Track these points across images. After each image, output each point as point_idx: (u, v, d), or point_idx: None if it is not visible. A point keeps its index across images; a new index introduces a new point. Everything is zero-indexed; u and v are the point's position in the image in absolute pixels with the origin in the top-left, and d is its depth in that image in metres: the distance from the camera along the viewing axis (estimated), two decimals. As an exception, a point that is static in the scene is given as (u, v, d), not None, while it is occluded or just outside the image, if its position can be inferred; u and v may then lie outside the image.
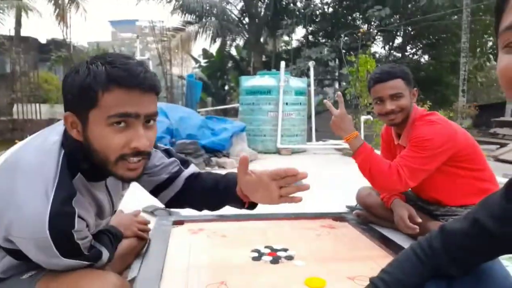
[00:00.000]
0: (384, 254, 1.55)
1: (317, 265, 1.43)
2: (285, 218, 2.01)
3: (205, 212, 2.13)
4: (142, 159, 0.87)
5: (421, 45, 13.87)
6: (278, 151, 5.46)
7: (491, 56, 12.36)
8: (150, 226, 1.69)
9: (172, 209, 2.28)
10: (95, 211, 0.99)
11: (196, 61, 18.39)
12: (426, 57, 14.07)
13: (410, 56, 13.96)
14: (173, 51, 13.63)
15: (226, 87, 18.06)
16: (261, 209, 2.31)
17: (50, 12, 11.93)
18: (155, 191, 1.26)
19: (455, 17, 11.54)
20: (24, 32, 12.34)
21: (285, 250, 1.57)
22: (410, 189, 1.95)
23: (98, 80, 0.79)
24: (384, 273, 0.81)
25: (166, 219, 1.95)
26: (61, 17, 11.66)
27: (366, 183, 2.11)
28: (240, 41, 16.34)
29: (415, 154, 1.56)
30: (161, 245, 1.58)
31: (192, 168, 1.28)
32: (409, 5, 12.14)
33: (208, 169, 3.91)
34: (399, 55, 13.52)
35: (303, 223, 1.96)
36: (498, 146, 6.75)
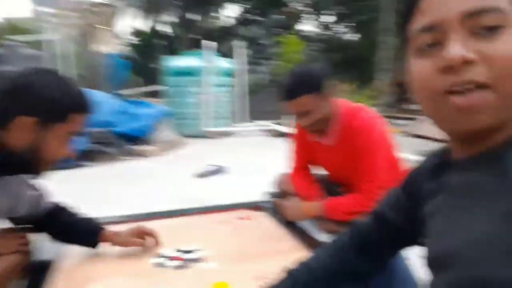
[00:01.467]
0: (298, 246, 1.50)
1: (228, 266, 1.33)
2: (199, 212, 1.88)
3: (112, 213, 1.95)
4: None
5: (352, 24, 14.34)
6: (205, 134, 5.32)
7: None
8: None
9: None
10: None
11: (124, 39, 17.38)
12: (357, 35, 14.61)
13: (341, 34, 14.40)
14: (97, 28, 12.67)
15: (157, 67, 17.38)
16: (176, 204, 2.19)
17: None
18: None
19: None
20: None
21: (195, 251, 1.45)
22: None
23: (75, 103, 0.94)
24: (302, 265, 0.82)
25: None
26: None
27: (285, 169, 2.07)
28: (172, 18, 15.69)
29: (375, 161, 1.54)
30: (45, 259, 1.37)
31: None
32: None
33: (127, 158, 3.65)
34: (330, 33, 13.87)
35: (218, 216, 1.85)
36: (410, 121, 7.22)
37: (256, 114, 6.99)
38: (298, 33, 6.35)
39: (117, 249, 1.47)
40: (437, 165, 0.61)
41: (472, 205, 0.49)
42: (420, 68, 0.51)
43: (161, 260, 1.36)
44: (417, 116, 6.92)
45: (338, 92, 1.69)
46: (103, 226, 1.30)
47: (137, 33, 16.13)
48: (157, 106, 4.65)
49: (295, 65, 1.80)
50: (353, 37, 14.63)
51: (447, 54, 0.46)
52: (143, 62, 16.10)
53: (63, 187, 2.72)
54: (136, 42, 16.30)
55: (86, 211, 2.08)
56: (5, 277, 1.26)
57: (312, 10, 12.58)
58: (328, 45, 11.32)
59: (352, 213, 1.52)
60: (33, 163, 0.94)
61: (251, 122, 6.53)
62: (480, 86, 0.46)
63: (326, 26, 14.00)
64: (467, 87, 0.46)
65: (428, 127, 5.01)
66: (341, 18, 13.91)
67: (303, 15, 12.26)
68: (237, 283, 1.20)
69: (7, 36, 7.87)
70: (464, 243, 0.47)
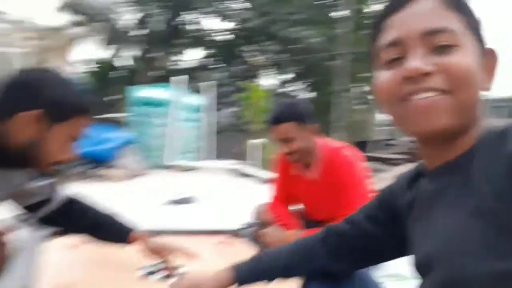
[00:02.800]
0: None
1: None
2: (184, 233, 1.89)
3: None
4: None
5: (309, 82, 15.23)
6: (168, 167, 5.24)
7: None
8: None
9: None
10: None
11: (84, 66, 16.94)
12: (313, 94, 15.47)
13: (298, 91, 15.20)
14: (47, 54, 12.22)
15: (114, 97, 16.94)
16: (157, 225, 2.15)
17: None
18: None
19: (335, 61, 13.11)
20: None
21: (179, 267, 1.44)
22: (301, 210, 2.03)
23: (80, 104, 0.92)
24: (265, 254, 0.85)
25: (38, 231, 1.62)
26: None
27: (254, 202, 2.13)
28: (133, 52, 15.64)
29: (359, 194, 1.57)
30: (28, 262, 1.29)
31: None
32: (297, 45, 13.35)
33: (92, 180, 3.50)
34: (289, 89, 14.61)
35: (200, 239, 1.86)
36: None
37: (219, 153, 7.04)
38: (259, 85, 6.66)
39: (105, 258, 1.43)
40: (412, 177, 0.66)
41: (442, 209, 0.53)
42: (385, 78, 0.56)
43: (146, 272, 1.35)
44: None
45: (319, 131, 1.82)
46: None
47: (96, 61, 15.81)
48: (123, 131, 4.55)
49: (273, 104, 1.93)
50: (309, 96, 15.50)
51: (408, 66, 0.52)
52: (101, 91, 15.68)
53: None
54: (94, 70, 15.93)
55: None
56: None
57: (272, 66, 13.29)
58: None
59: None
60: (31, 160, 0.90)
61: (216, 160, 6.54)
62: (439, 91, 0.51)
63: (283, 83, 14.78)
64: (427, 95, 0.51)
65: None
66: (298, 77, 14.79)
67: (264, 70, 12.91)
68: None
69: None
70: (439, 245, 0.51)
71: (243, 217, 2.45)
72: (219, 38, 13.64)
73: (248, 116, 6.50)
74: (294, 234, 1.76)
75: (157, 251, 1.22)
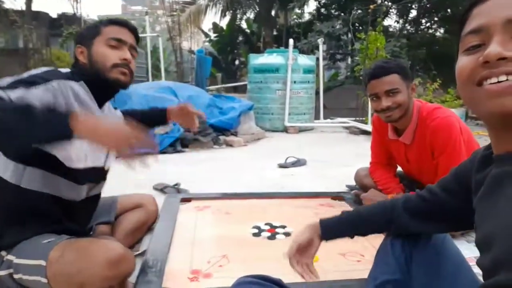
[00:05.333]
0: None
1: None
2: (285, 197, 2.14)
3: (211, 190, 2.28)
4: (129, 70, 1.23)
5: (436, 19, 13.40)
6: (285, 129, 5.55)
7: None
8: (159, 203, 1.83)
9: (180, 187, 2.44)
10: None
11: (206, 35, 18.18)
12: (442, 31, 13.62)
13: (425, 30, 13.56)
14: (183, 25, 13.51)
15: (237, 62, 17.92)
16: (263, 188, 2.46)
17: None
18: None
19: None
20: (34, 7, 12.34)
21: (283, 227, 1.70)
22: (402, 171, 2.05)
23: (103, 22, 1.25)
24: (354, 209, 1.02)
25: (174, 196, 2.09)
26: (71, -9, 11.63)
27: (364, 164, 2.21)
28: (250, 15, 16.04)
29: (455, 159, 1.56)
30: (170, 221, 1.72)
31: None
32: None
33: (216, 147, 4.04)
34: (413, 29, 13.14)
35: (302, 201, 2.08)
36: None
37: (333, 111, 7.04)
38: (381, 28, 6.16)
39: (221, 218, 1.78)
40: (485, 157, 0.68)
41: (504, 195, 0.56)
42: (464, 63, 0.60)
43: (257, 231, 1.64)
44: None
45: (416, 93, 1.77)
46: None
47: (216, 29, 16.74)
48: (242, 100, 5.01)
49: (377, 60, 1.90)
50: (439, 31, 13.66)
51: (488, 51, 0.54)
52: (222, 58, 16.70)
53: (162, 168, 3.19)
54: (218, 38, 16.93)
55: (183, 188, 2.46)
56: (134, 233, 1.60)
57: (396, 5, 12.02)
58: (411, 41, 10.76)
59: None
60: (97, 70, 1.19)
61: (330, 118, 6.59)
62: None
63: (409, 21, 13.27)
64: (502, 78, 0.54)
65: None
66: (424, 13, 13.07)
67: (387, 9, 11.76)
68: (322, 255, 1.42)
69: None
70: (498, 227, 0.54)
71: (348, 180, 2.57)
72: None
73: (366, 67, 6.24)
74: (394, 198, 1.83)
75: (178, 115, 1.59)
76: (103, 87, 1.24)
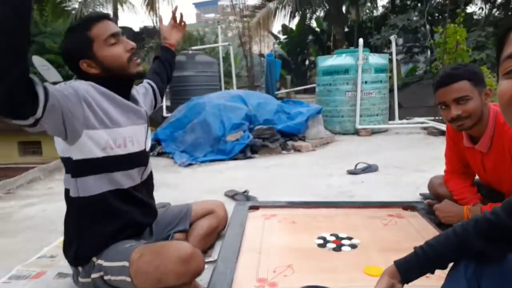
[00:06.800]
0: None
1: (379, 254, 1.53)
2: (353, 206, 2.11)
3: (279, 197, 2.35)
4: (138, 56, 1.31)
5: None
6: (356, 132, 5.41)
7: None
8: (229, 209, 1.93)
9: (249, 195, 2.54)
10: (100, 118, 1.22)
11: (276, 37, 18.37)
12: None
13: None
14: (254, 29, 13.83)
15: (307, 62, 17.81)
16: (330, 196, 2.46)
17: (141, 2, 12.98)
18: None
19: None
20: (119, 24, 13.65)
21: (350, 238, 1.69)
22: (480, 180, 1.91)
23: (82, 26, 1.23)
24: (426, 243, 0.97)
25: (243, 204, 2.19)
26: (150, 6, 12.66)
27: (441, 170, 2.09)
28: (320, 13, 15.82)
29: None
30: (239, 228, 1.82)
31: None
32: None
33: (284, 152, 4.11)
34: (502, 14, 11.84)
35: (370, 211, 2.04)
36: None
37: (410, 109, 6.68)
38: (462, 18, 5.67)
39: (288, 227, 1.83)
40: None
41: None
42: (505, 87, 0.61)
43: (323, 242, 1.66)
44: None
45: (492, 98, 1.64)
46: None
47: (285, 31, 16.79)
48: (310, 105, 5.01)
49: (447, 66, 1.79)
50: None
51: None
52: (292, 59, 16.71)
53: (233, 174, 3.33)
54: (288, 40, 16.99)
55: (252, 194, 2.56)
56: (206, 239, 1.70)
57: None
58: (500, 28, 9.72)
59: None
60: (117, 72, 1.24)
61: (406, 119, 6.26)
62: None
63: (498, 6, 11.98)
64: None
65: None
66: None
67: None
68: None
69: (187, 47, 9.35)
70: None
71: (422, 188, 2.45)
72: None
73: (445, 62, 5.84)
74: (470, 210, 1.73)
75: (169, 32, 1.71)
76: (121, 82, 1.30)
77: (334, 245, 1.63)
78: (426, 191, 2.29)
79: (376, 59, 5.58)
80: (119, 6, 12.92)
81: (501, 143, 1.59)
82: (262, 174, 3.25)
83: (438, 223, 1.80)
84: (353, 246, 1.61)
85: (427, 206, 2.04)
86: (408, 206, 2.09)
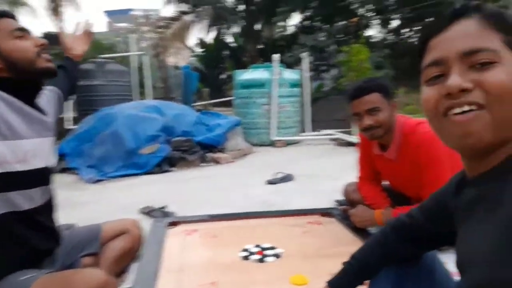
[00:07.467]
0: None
1: (302, 262, 1.54)
2: (274, 216, 2.12)
3: (199, 211, 2.26)
4: (49, 53, 1.19)
5: (417, 29, 13.75)
6: (272, 144, 5.56)
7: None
8: (146, 227, 1.79)
9: (167, 211, 2.40)
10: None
11: (192, 51, 18.25)
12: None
13: (406, 39, 13.88)
14: (169, 41, 13.55)
15: (224, 76, 17.98)
16: (251, 207, 2.44)
17: (43, 6, 11.87)
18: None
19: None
20: (18, 27, 12.27)
21: (273, 248, 1.67)
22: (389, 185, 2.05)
23: None
24: (352, 257, 0.97)
25: (161, 220, 2.05)
26: (55, 11, 11.63)
27: (351, 177, 2.21)
28: (236, 29, 16.18)
29: (438, 173, 1.57)
30: (156, 247, 1.68)
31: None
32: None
33: (203, 165, 4.02)
34: (393, 38, 13.44)
35: (291, 220, 2.06)
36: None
37: (320, 123, 7.09)
38: (364, 40, 6.25)
39: (209, 242, 1.75)
40: (459, 182, 0.69)
41: (480, 216, 0.57)
42: (428, 95, 0.61)
43: (246, 254, 1.62)
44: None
45: (398, 109, 1.79)
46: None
47: (202, 44, 16.82)
48: (229, 117, 5.02)
49: (359, 79, 1.93)
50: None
51: (448, 84, 0.56)
52: (209, 73, 16.74)
53: (149, 189, 3.15)
54: (204, 53, 16.99)
55: (170, 210, 2.43)
56: (118, 261, 1.53)
57: (379, 15, 12.29)
58: (394, 51, 10.99)
59: None
60: (21, 66, 1.11)
61: (317, 131, 6.63)
62: (477, 106, 0.54)
63: (392, 31, 13.57)
64: (465, 108, 0.55)
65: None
66: (406, 23, 13.39)
67: (369, 21, 12.02)
68: (312, 277, 1.40)
69: (97, 55, 8.75)
70: (475, 250, 0.54)
71: (336, 195, 2.57)
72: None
73: (350, 78, 6.33)
74: (382, 214, 1.83)
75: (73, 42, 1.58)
76: (28, 85, 1.16)
77: (258, 256, 1.60)
78: (340, 197, 2.40)
79: (290, 74, 5.85)
80: (16, 8, 11.60)
81: (407, 152, 1.73)
82: (181, 188, 3.12)
83: (353, 228, 1.88)
84: (277, 256, 1.60)
85: (342, 212, 2.13)
86: (325, 212, 2.16)
